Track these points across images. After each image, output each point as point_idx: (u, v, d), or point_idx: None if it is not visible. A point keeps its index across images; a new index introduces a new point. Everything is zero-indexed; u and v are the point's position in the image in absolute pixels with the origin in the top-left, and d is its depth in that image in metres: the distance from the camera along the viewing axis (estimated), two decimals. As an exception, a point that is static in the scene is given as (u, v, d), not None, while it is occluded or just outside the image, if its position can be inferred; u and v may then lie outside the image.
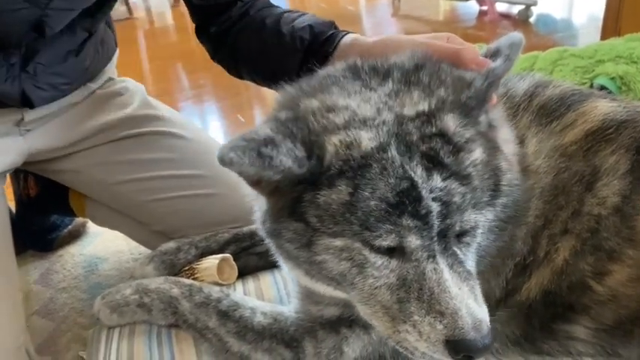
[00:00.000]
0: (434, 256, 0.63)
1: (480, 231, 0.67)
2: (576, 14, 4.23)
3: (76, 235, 1.87)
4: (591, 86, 1.61)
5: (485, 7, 4.23)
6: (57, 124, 1.29)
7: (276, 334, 0.84)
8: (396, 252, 0.64)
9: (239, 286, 1.03)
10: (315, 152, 0.63)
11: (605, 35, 2.53)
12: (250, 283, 1.03)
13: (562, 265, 0.75)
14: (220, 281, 1.00)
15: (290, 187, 0.65)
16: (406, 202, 0.61)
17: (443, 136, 0.64)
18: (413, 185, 0.62)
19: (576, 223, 0.75)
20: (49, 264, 1.76)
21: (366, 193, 0.62)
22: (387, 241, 0.63)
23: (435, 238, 0.63)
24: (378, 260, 0.65)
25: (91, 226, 1.89)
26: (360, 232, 0.63)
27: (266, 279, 1.04)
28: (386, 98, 0.67)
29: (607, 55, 1.68)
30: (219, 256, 1.02)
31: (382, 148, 0.63)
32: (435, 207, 0.62)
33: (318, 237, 0.65)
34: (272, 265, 1.00)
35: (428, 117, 0.65)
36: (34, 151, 1.28)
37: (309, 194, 0.64)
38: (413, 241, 0.63)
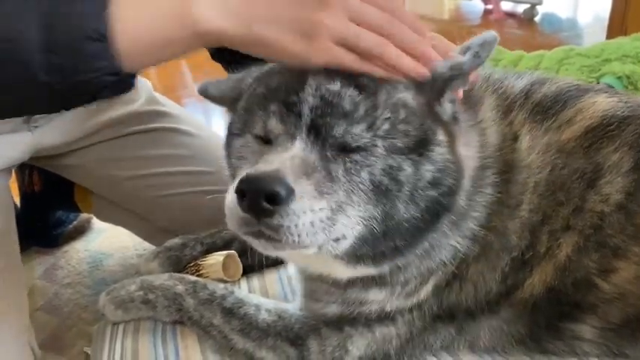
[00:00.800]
0: (293, 138, 0.65)
1: (379, 164, 0.66)
2: (582, 13, 4.22)
3: (81, 230, 1.88)
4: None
5: (490, 6, 4.22)
6: (65, 120, 1.30)
7: (280, 331, 0.83)
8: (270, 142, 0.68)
9: (244, 282, 1.03)
10: None
11: (610, 34, 2.53)
12: (255, 280, 1.03)
13: (565, 261, 0.75)
14: (225, 278, 1.00)
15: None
16: (283, 91, 0.67)
17: None
18: (301, 80, 0.67)
19: (578, 220, 0.74)
20: (53, 260, 1.77)
21: (261, 84, 0.71)
22: (257, 129, 0.68)
23: (304, 129, 0.65)
24: (255, 146, 0.70)
25: (96, 222, 1.89)
26: (244, 124, 0.71)
27: (271, 276, 1.04)
28: None
29: (614, 54, 1.67)
30: (225, 252, 1.02)
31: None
32: (312, 100, 0.65)
33: (232, 142, 0.74)
34: (277, 262, 1.00)
35: None
36: (42, 146, 1.29)
37: (238, 103, 0.75)
38: (273, 124, 0.67)
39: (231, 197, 0.63)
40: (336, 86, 0.66)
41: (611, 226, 0.74)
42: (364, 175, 0.66)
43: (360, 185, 0.66)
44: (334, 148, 0.66)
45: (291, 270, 1.00)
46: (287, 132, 0.66)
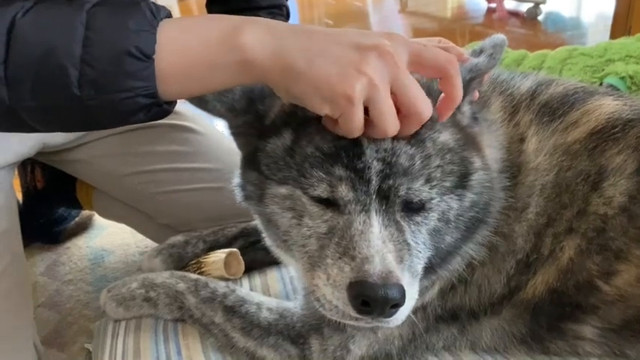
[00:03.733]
0: (368, 210, 0.64)
1: (435, 215, 0.67)
2: (585, 13, 4.21)
3: (83, 227, 1.88)
4: (600, 85, 1.60)
5: (493, 5, 4.21)
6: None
7: (282, 330, 0.84)
8: (332, 204, 0.66)
9: (245, 280, 1.03)
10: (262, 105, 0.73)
11: (614, 34, 2.52)
12: (257, 278, 1.03)
13: (567, 263, 0.75)
14: (227, 275, 1.00)
15: (250, 138, 0.73)
16: (342, 154, 0.64)
17: None
18: (356, 141, 0.64)
19: (581, 223, 0.74)
20: (55, 256, 1.77)
21: (304, 141, 0.66)
22: (319, 190, 0.66)
23: (374, 196, 0.64)
24: (314, 208, 0.67)
25: (98, 219, 1.89)
26: (297, 179, 0.67)
27: (273, 274, 1.04)
28: None
29: (617, 54, 1.67)
30: (227, 250, 1.03)
31: None
32: (376, 164, 0.64)
33: (268, 185, 0.70)
34: (278, 261, 1.01)
35: None
36: (49, 142, 1.29)
37: (262, 143, 0.71)
38: (344, 191, 0.65)
39: (332, 293, 0.63)
40: (389, 143, 0.65)
41: (613, 228, 0.73)
42: (424, 232, 0.67)
43: (423, 238, 0.68)
44: (400, 209, 0.66)
45: (292, 269, 1.00)
46: (358, 199, 0.65)
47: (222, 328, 0.86)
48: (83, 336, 1.45)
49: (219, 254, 1.02)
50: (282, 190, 0.69)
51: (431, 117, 0.65)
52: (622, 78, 1.61)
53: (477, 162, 0.70)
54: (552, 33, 3.77)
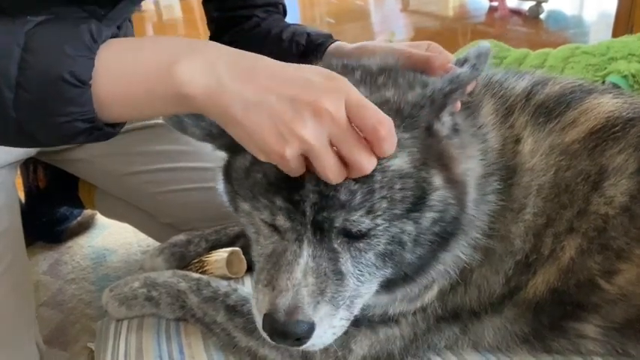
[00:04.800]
0: (301, 241, 0.66)
1: (382, 240, 0.67)
2: (587, 11, 4.21)
3: (85, 226, 1.88)
4: (603, 84, 1.60)
5: (495, 3, 4.21)
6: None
7: (283, 329, 0.84)
8: (277, 229, 0.69)
9: (247, 279, 1.03)
10: None
11: (617, 32, 2.51)
12: (258, 277, 1.03)
13: (568, 263, 0.75)
14: (229, 274, 1.00)
15: (226, 153, 0.75)
16: (283, 185, 0.65)
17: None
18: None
19: (582, 222, 0.74)
20: (57, 255, 1.77)
21: (257, 166, 0.67)
22: (264, 215, 0.68)
23: (308, 226, 0.66)
24: (265, 230, 0.70)
25: (100, 218, 1.90)
26: (251, 200, 0.69)
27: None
28: None
29: (619, 52, 1.67)
30: (229, 249, 1.03)
31: None
32: (312, 197, 0.64)
33: (237, 199, 0.73)
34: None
35: None
36: None
37: (232, 159, 0.73)
38: (282, 221, 0.67)
39: (256, 316, 0.68)
40: None
41: (614, 228, 0.73)
42: (369, 256, 0.68)
43: (368, 265, 0.68)
44: (339, 237, 0.67)
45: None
46: (294, 229, 0.66)
47: (224, 327, 0.86)
48: (85, 335, 1.45)
49: (222, 253, 1.02)
50: (245, 206, 0.71)
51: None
52: (624, 76, 1.61)
53: (436, 181, 0.67)
54: (554, 31, 3.76)
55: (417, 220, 0.67)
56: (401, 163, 0.65)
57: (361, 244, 0.67)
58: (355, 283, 0.68)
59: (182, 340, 0.90)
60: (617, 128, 0.76)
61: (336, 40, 1.09)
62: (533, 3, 3.90)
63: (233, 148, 0.70)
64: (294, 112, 0.59)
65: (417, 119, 0.66)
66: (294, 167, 0.61)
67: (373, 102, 0.61)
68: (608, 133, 0.76)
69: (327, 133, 0.59)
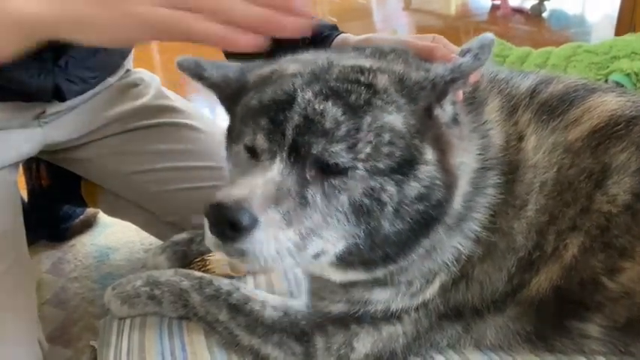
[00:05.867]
0: (274, 159, 0.66)
1: (359, 187, 0.65)
2: (590, 9, 4.20)
3: (88, 225, 1.88)
4: (606, 82, 1.59)
5: (497, 2, 4.21)
6: (74, 115, 1.30)
7: (286, 327, 0.84)
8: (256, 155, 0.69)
9: (250, 278, 1.03)
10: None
11: (619, 31, 2.51)
12: (261, 275, 1.03)
13: (571, 261, 0.75)
14: (231, 273, 1.00)
15: (232, 108, 0.76)
16: (274, 107, 0.67)
17: (368, 86, 0.67)
18: (290, 98, 0.66)
19: (585, 220, 0.74)
20: (60, 253, 1.78)
21: (257, 94, 0.70)
22: (247, 139, 0.69)
23: (285, 149, 0.65)
24: (245, 157, 0.71)
25: (103, 217, 1.90)
26: (240, 132, 0.71)
27: (277, 272, 1.04)
28: (344, 58, 0.74)
29: (622, 51, 1.66)
30: (231, 248, 1.03)
31: (295, 74, 0.69)
32: (296, 119, 0.65)
33: (232, 147, 0.74)
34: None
35: (362, 70, 0.69)
36: (51, 141, 1.29)
37: (235, 108, 0.75)
38: (261, 141, 0.67)
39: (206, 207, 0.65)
40: (322, 105, 0.65)
41: (617, 226, 0.73)
42: (343, 198, 0.66)
43: (339, 208, 0.66)
44: (314, 169, 0.66)
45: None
46: (271, 150, 0.66)
47: (227, 326, 0.87)
48: (88, 333, 1.45)
49: (224, 252, 1.02)
50: (235, 147, 0.73)
51: (381, 96, 0.66)
52: (627, 75, 1.61)
53: (428, 155, 0.67)
54: (557, 30, 3.76)
55: (401, 184, 0.66)
56: (394, 120, 0.66)
57: (336, 182, 0.65)
58: (319, 219, 0.66)
59: (184, 337, 0.90)
60: (620, 127, 0.76)
61: (340, 32, 1.08)
62: (536, 1, 3.90)
63: (240, 89, 0.74)
64: None
65: (418, 96, 0.68)
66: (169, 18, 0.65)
67: (377, 66, 0.69)
68: (611, 131, 0.76)
69: None
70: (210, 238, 0.65)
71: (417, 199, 0.67)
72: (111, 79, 1.36)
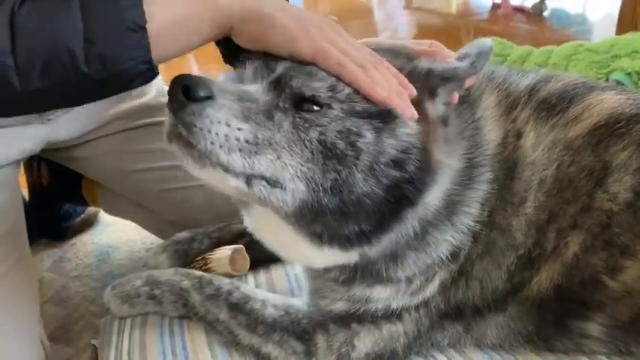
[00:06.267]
0: (255, 83, 0.71)
1: (333, 125, 0.66)
2: (591, 8, 4.19)
3: (89, 224, 1.88)
4: (607, 81, 1.59)
5: (499, 1, 4.20)
6: (77, 113, 1.30)
7: (287, 326, 0.84)
8: None
9: (250, 277, 1.03)
10: None
11: (620, 30, 2.50)
12: (262, 274, 1.03)
13: (572, 259, 0.75)
14: (232, 272, 1.00)
15: None
16: (273, 56, 0.74)
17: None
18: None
19: (586, 218, 0.74)
20: (61, 252, 1.78)
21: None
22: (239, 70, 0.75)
23: (267, 78, 0.71)
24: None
25: (104, 216, 1.90)
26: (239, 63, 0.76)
27: (278, 271, 1.04)
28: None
29: (623, 50, 1.66)
30: (232, 246, 1.03)
31: None
32: (288, 63, 0.72)
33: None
34: (284, 258, 1.01)
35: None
36: (54, 139, 1.29)
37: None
38: (249, 73, 0.73)
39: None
40: (314, 68, 0.71)
41: (619, 224, 0.73)
42: (313, 134, 0.66)
43: (306, 142, 0.66)
44: (289, 101, 0.68)
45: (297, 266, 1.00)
46: (254, 80, 0.72)
47: (227, 325, 0.87)
48: (90, 332, 1.45)
49: (225, 251, 1.02)
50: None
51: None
52: (628, 74, 1.60)
53: (411, 124, 0.70)
54: (558, 29, 3.75)
55: (379, 132, 0.67)
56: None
57: (308, 115, 0.67)
58: (281, 139, 0.65)
59: (185, 336, 0.90)
60: (620, 124, 0.76)
61: None
62: (537, 0, 3.89)
63: None
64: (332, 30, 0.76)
65: (411, 79, 0.72)
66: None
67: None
68: (611, 129, 0.76)
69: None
70: (165, 127, 0.67)
71: (392, 162, 0.67)
72: None
